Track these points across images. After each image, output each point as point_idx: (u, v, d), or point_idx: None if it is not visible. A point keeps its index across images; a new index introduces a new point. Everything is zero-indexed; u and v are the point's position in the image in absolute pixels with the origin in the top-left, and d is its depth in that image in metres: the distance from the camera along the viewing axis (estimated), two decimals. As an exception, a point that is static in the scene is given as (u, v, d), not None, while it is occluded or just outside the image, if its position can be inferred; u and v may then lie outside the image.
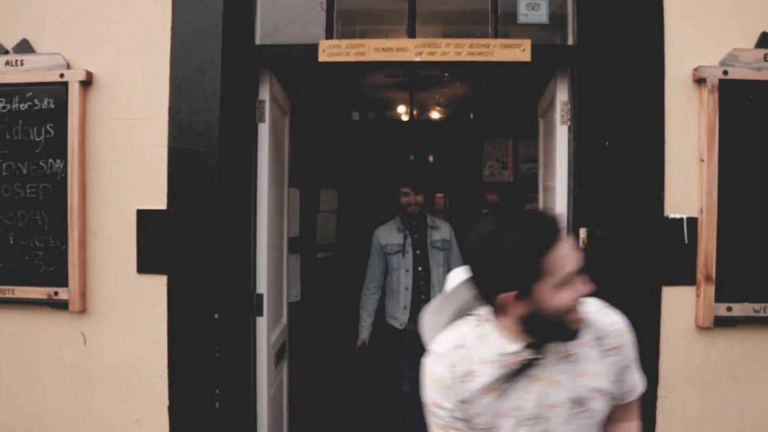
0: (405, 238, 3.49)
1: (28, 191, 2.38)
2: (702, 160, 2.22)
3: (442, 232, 3.55)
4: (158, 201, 2.34)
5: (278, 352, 2.82)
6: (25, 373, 2.43)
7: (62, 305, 2.35)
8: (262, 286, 2.55)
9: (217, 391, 2.32)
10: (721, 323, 2.23)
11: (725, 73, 2.20)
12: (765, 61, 2.21)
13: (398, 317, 3.45)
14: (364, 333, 3.56)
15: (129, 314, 2.37)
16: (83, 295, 2.36)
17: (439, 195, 7.72)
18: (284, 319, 3.04)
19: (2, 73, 2.36)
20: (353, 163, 6.18)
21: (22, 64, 2.36)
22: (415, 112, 5.94)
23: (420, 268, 3.48)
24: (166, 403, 2.35)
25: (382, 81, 5.49)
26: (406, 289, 3.45)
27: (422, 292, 3.46)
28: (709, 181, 2.20)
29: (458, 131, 5.97)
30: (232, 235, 2.39)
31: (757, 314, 2.22)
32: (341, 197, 5.98)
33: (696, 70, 2.22)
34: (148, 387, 2.36)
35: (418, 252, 3.49)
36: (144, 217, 2.35)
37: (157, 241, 2.34)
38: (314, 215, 5.32)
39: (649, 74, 2.25)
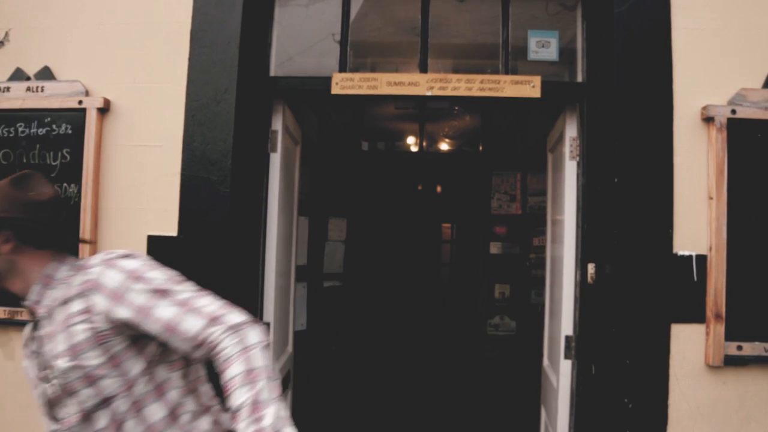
0: None
1: (41, 215, 2.40)
2: (711, 198, 2.22)
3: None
4: (169, 227, 2.36)
5: (283, 381, 2.80)
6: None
7: (70, 329, 2.35)
8: (269, 314, 2.55)
9: (221, 420, 2.30)
10: (732, 362, 2.20)
11: (733, 112, 2.22)
12: (773, 101, 2.24)
13: None
14: None
15: (136, 339, 2.36)
16: (91, 319, 2.36)
17: (446, 225, 7.74)
18: (290, 348, 3.02)
19: (23, 98, 2.42)
20: (362, 193, 6.21)
21: (42, 90, 2.42)
22: (424, 144, 5.99)
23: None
24: None
25: (392, 112, 5.55)
26: None
27: None
28: (718, 218, 2.20)
29: (467, 163, 6.01)
30: (240, 263, 2.40)
31: (768, 354, 2.20)
32: (350, 226, 6.00)
33: (704, 108, 2.24)
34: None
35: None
36: (154, 243, 2.37)
37: (167, 267, 2.34)
38: (322, 244, 5.34)
39: (658, 112, 2.26)
